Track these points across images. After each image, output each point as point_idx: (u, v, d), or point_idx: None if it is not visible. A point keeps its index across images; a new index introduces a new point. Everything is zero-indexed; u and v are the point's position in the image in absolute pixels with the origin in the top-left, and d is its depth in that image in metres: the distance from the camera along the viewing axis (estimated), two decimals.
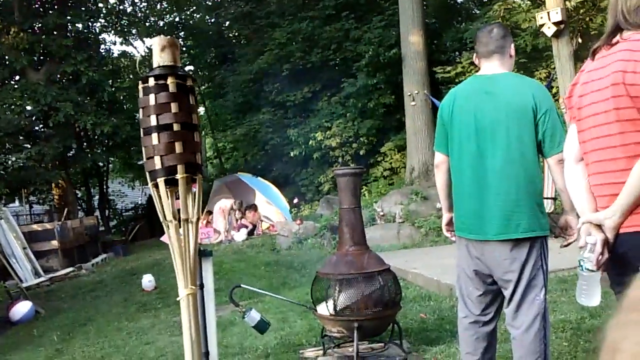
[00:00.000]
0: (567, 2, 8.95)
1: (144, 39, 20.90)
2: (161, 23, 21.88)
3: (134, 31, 20.67)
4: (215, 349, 2.18)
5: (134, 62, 18.60)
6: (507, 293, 2.81)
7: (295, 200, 14.32)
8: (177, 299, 1.63)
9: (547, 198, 7.83)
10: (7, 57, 15.00)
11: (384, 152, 14.38)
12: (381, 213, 10.80)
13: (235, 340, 5.00)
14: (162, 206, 1.62)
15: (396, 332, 4.14)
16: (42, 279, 10.41)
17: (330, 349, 4.20)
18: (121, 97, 17.92)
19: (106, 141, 17.47)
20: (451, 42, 15.09)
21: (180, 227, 1.61)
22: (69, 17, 15.94)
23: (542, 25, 8.81)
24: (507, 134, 2.72)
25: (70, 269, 11.24)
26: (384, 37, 14.32)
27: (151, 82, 1.64)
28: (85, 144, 17.61)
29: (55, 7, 16.22)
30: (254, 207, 13.51)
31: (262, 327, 4.07)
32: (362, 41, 14.78)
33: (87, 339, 6.02)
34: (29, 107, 14.64)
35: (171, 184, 1.63)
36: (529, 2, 11.24)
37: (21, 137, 15.31)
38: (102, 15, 18.72)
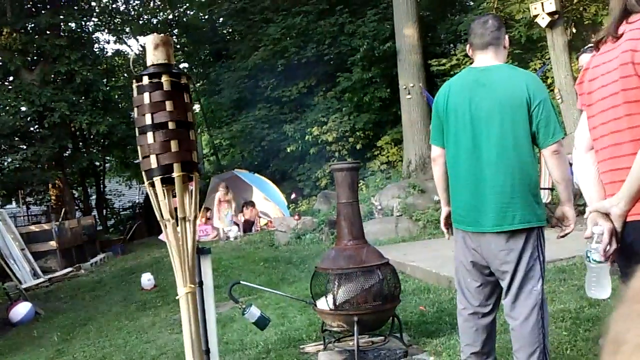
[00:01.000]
0: None
1: (138, 37, 20.84)
2: (155, 21, 21.81)
3: (127, 29, 20.59)
4: (216, 345, 2.18)
5: (128, 60, 18.54)
6: (504, 284, 2.82)
7: (293, 196, 14.33)
8: (177, 297, 1.63)
9: (543, 188, 7.84)
10: (0, 58, 14.95)
11: (381, 145, 14.38)
12: (379, 207, 10.80)
13: (235, 337, 5.00)
14: (159, 205, 1.62)
15: (396, 325, 4.15)
16: (41, 279, 10.40)
17: (331, 344, 4.21)
18: (116, 96, 17.89)
19: (102, 140, 17.44)
20: (446, 35, 15.08)
21: (177, 225, 1.61)
22: (61, 17, 15.87)
23: (536, 16, 8.82)
24: (502, 126, 2.72)
25: (69, 269, 11.23)
26: (379, 30, 14.29)
27: (145, 80, 1.63)
28: (81, 143, 17.57)
29: (48, 6, 16.16)
30: (251, 204, 13.51)
31: (262, 323, 4.08)
32: (357, 35, 14.75)
33: (88, 339, 6.02)
34: (23, 108, 14.61)
35: (167, 182, 1.63)
36: None
37: (17, 138, 15.28)
38: (95, 14, 18.67)
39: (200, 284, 2.09)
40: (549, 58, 9.20)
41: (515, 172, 2.72)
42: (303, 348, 4.39)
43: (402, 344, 4.06)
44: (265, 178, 14.42)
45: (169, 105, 1.61)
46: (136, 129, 1.68)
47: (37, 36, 15.40)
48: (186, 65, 22.53)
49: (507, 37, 2.95)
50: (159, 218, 1.63)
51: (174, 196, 1.67)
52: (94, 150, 17.59)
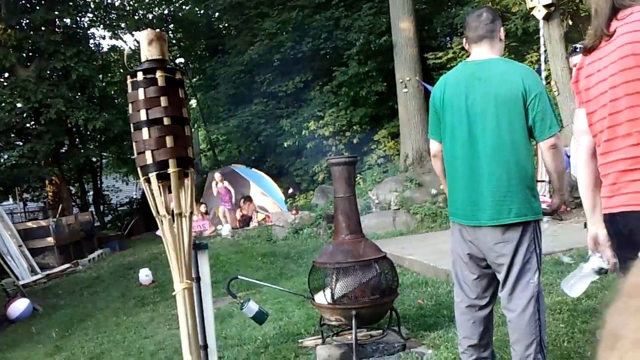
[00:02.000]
0: None
1: (133, 32, 20.77)
2: (150, 16, 21.74)
3: (122, 25, 20.52)
4: (214, 341, 2.18)
5: (123, 55, 18.45)
6: (500, 277, 2.83)
7: (290, 191, 14.33)
8: (173, 293, 1.63)
9: (541, 181, 7.85)
10: None
11: (378, 139, 14.37)
12: (376, 201, 10.81)
13: (234, 332, 5.01)
14: (154, 201, 1.61)
15: (394, 319, 4.16)
16: (38, 276, 10.40)
17: (329, 338, 4.22)
18: (112, 92, 17.85)
19: (98, 136, 17.42)
20: (442, 28, 15.06)
21: (173, 221, 1.60)
22: (56, 13, 15.81)
23: (532, 8, 8.81)
24: (498, 120, 2.72)
25: (67, 265, 11.24)
26: (375, 24, 14.27)
27: (140, 76, 1.62)
28: (77, 140, 17.54)
29: (43, 2, 16.09)
30: (248, 199, 13.51)
31: (260, 317, 4.08)
32: (353, 29, 14.72)
33: (86, 334, 6.03)
34: (19, 105, 14.57)
35: (163, 178, 1.62)
36: None
37: (13, 135, 15.25)
38: (90, 9, 18.60)
39: (198, 279, 2.08)
40: (545, 50, 9.20)
41: (511, 166, 2.73)
42: (301, 342, 4.40)
43: (400, 337, 4.07)
44: (263, 173, 14.42)
45: (163, 101, 1.61)
46: (131, 125, 1.67)
47: (32, 32, 15.34)
48: (182, 60, 22.49)
49: (502, 29, 2.94)
50: (155, 214, 1.63)
51: (170, 192, 1.66)
52: (91, 147, 17.57)
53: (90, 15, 18.92)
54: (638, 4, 1.92)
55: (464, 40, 3.01)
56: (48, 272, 10.74)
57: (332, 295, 3.95)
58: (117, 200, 21.41)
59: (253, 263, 8.69)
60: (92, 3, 18.39)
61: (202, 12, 21.75)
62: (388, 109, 14.38)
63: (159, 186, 1.60)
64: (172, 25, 21.94)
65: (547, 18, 8.70)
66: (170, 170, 1.60)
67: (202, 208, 13.17)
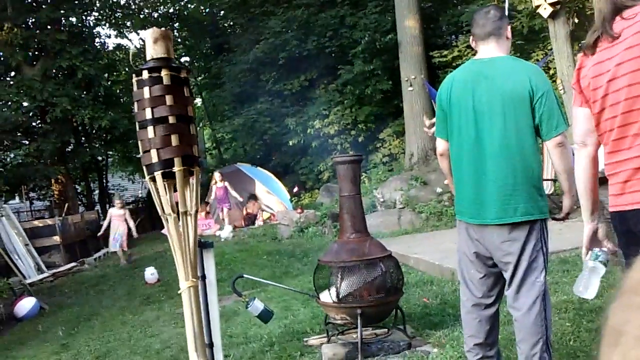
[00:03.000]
0: None
1: (139, 31, 20.82)
2: (155, 14, 21.79)
3: (128, 24, 20.58)
4: (219, 339, 2.18)
5: (129, 54, 18.53)
6: (507, 275, 2.82)
7: (296, 189, 14.34)
8: (179, 291, 1.63)
9: (546, 180, 7.82)
10: (1, 54, 14.94)
11: (383, 138, 14.36)
12: (381, 199, 10.81)
13: (239, 330, 5.02)
14: (160, 200, 1.61)
15: (399, 318, 4.15)
16: (45, 274, 10.44)
17: (334, 336, 4.21)
18: (117, 91, 17.89)
19: (104, 135, 17.46)
20: (447, 26, 15.03)
21: (179, 220, 1.60)
22: (62, 11, 15.86)
23: (538, 7, 8.77)
24: (504, 119, 2.71)
25: (73, 264, 11.28)
26: (380, 22, 14.25)
27: (145, 75, 1.62)
28: (83, 138, 17.59)
29: (48, 1, 16.13)
30: (254, 197, 13.51)
31: (265, 316, 4.08)
32: (358, 27, 14.70)
33: (92, 333, 6.05)
34: (25, 104, 14.62)
35: (169, 177, 1.62)
36: None
37: (19, 134, 15.30)
38: (95, 8, 18.65)
39: (203, 277, 2.09)
40: (551, 49, 9.16)
41: (517, 165, 2.72)
42: (307, 341, 4.40)
43: (405, 336, 4.06)
44: (268, 171, 14.43)
45: (169, 100, 1.61)
46: (136, 124, 1.67)
47: (37, 31, 15.39)
48: (187, 58, 22.51)
49: (509, 27, 2.93)
50: (160, 212, 1.63)
51: (176, 190, 1.66)
52: (97, 145, 17.61)
53: (96, 14, 18.98)
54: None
55: (471, 38, 3.00)
56: (54, 270, 10.79)
57: (338, 293, 3.95)
58: (123, 198, 21.46)
59: (258, 261, 8.69)
60: (97, 2, 18.43)
61: (207, 10, 21.79)
62: (393, 108, 14.37)
63: (164, 185, 1.60)
64: (177, 24, 21.97)
65: (553, 16, 8.66)
66: (176, 168, 1.60)
67: (208, 208, 13.15)
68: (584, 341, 3.57)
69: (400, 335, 4.10)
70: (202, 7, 21.95)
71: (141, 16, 21.01)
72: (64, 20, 16.51)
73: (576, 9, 10.16)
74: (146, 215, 17.23)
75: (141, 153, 1.65)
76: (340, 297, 3.95)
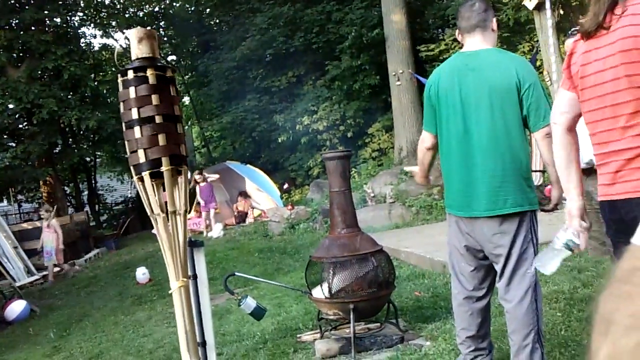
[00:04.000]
0: None
1: (124, 30, 20.68)
2: (141, 14, 21.65)
3: (113, 23, 20.43)
4: (212, 337, 2.18)
5: (114, 54, 18.37)
6: (498, 267, 2.84)
7: (286, 186, 14.34)
8: (170, 291, 1.62)
9: (535, 171, 7.85)
10: None
11: (372, 133, 14.38)
12: (371, 194, 10.82)
13: (232, 328, 5.01)
14: (148, 200, 1.61)
15: (392, 312, 4.16)
16: (35, 277, 10.38)
17: (327, 332, 4.22)
18: (104, 91, 17.76)
19: (92, 136, 17.35)
20: (433, 20, 15.04)
21: (168, 220, 1.60)
22: (46, 12, 15.72)
23: None
24: (492, 111, 2.73)
25: (63, 265, 11.20)
26: (366, 17, 14.25)
27: (130, 74, 1.61)
28: (71, 139, 17.47)
29: (32, 2, 15.97)
30: (244, 195, 13.48)
31: (258, 313, 4.08)
32: (345, 23, 14.70)
33: (84, 334, 6.02)
34: (11, 106, 14.49)
35: (156, 176, 1.62)
36: None
37: (5, 136, 15.17)
38: (80, 8, 18.50)
39: (194, 277, 2.08)
40: (537, 41, 9.20)
41: (505, 157, 2.73)
42: (300, 337, 4.40)
43: (398, 329, 4.08)
44: (257, 169, 14.41)
45: (155, 99, 1.60)
46: (123, 124, 1.66)
47: (22, 32, 15.23)
48: (174, 57, 22.42)
49: (495, 20, 2.94)
50: (149, 213, 1.62)
51: (164, 190, 1.66)
52: (84, 146, 17.51)
53: (81, 14, 18.83)
54: None
55: (457, 31, 3.01)
56: (44, 273, 10.71)
57: (330, 289, 3.95)
58: (112, 199, 21.37)
59: (250, 259, 8.69)
60: (82, 2, 18.28)
61: (192, 8, 21.67)
62: (382, 102, 14.39)
63: (152, 185, 1.60)
64: (163, 23, 21.86)
65: (539, 8, 8.69)
66: (164, 168, 1.60)
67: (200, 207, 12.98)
68: (575, 331, 3.60)
69: (393, 329, 4.11)
70: (187, 6, 21.84)
71: (126, 15, 20.87)
72: (48, 21, 16.35)
73: (562, 0, 10.20)
74: (136, 215, 17.16)
75: (128, 153, 1.64)
76: (333, 292, 3.95)
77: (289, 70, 15.74)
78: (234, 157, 16.56)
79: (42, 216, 11.37)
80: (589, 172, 3.90)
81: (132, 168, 1.63)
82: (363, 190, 11.15)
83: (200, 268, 2.14)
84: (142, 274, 8.36)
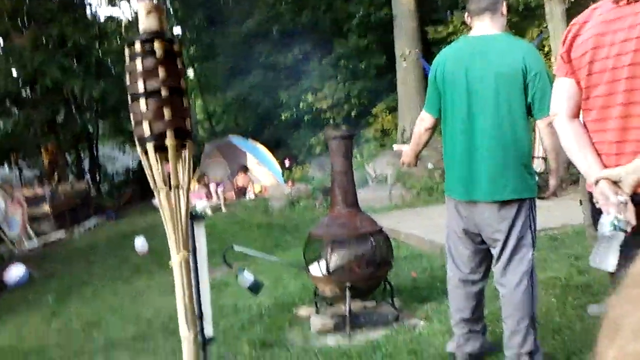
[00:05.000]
0: None
1: (130, 0, 20.47)
2: None
3: None
4: (210, 310, 2.21)
5: (120, 25, 18.22)
6: (495, 252, 2.86)
7: (287, 163, 14.33)
8: (170, 264, 1.64)
9: (537, 157, 7.83)
10: None
11: (376, 113, 14.33)
12: (373, 174, 10.84)
13: (229, 301, 5.06)
14: (152, 173, 1.62)
15: (388, 291, 4.20)
16: (35, 243, 10.44)
17: (323, 308, 4.27)
18: (109, 61, 17.65)
19: (95, 106, 17.30)
20: (442, 1, 14.88)
21: (171, 193, 1.61)
22: None
23: None
24: (497, 97, 2.72)
25: (63, 233, 11.27)
26: None
27: (137, 47, 1.61)
28: (74, 109, 17.41)
29: None
30: (244, 169, 13.46)
31: (255, 287, 4.11)
32: (353, 1, 14.56)
33: (82, 301, 6.08)
34: (15, 72, 14.42)
35: (161, 150, 1.63)
36: None
37: (8, 103, 15.12)
38: None
39: (194, 250, 2.10)
40: (546, 27, 9.12)
41: (508, 143, 2.74)
42: (296, 312, 4.45)
43: (393, 309, 4.12)
44: (260, 144, 14.39)
45: (161, 72, 1.60)
46: (129, 96, 1.67)
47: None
48: (179, 30, 22.22)
49: (505, 4, 2.92)
50: (152, 186, 1.63)
51: (168, 161, 1.66)
52: (87, 116, 17.45)
53: None
54: None
55: (466, 14, 2.99)
56: (44, 239, 10.78)
57: (327, 267, 3.99)
58: (113, 169, 21.36)
59: (249, 234, 8.73)
60: None
61: None
62: (387, 83, 14.31)
63: (156, 158, 1.61)
64: None
65: None
66: (168, 142, 1.61)
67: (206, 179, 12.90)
68: (569, 317, 3.64)
69: (389, 308, 4.16)
70: None
71: None
72: None
73: None
74: (137, 187, 17.18)
75: (133, 126, 1.65)
76: (330, 270, 3.99)
77: (295, 47, 15.63)
78: (237, 132, 16.53)
79: (6, 190, 11.22)
80: None
81: (136, 140, 1.64)
82: (364, 170, 11.15)
83: (200, 241, 2.16)
84: (141, 244, 8.40)
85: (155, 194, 1.64)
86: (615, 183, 1.92)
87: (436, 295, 4.46)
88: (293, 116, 15.00)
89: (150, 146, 1.59)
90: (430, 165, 10.53)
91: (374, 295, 4.32)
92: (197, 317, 2.00)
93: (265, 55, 16.16)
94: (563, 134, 2.15)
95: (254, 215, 10.74)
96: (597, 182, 1.95)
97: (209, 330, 2.23)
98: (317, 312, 4.24)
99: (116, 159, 21.38)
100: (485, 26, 2.84)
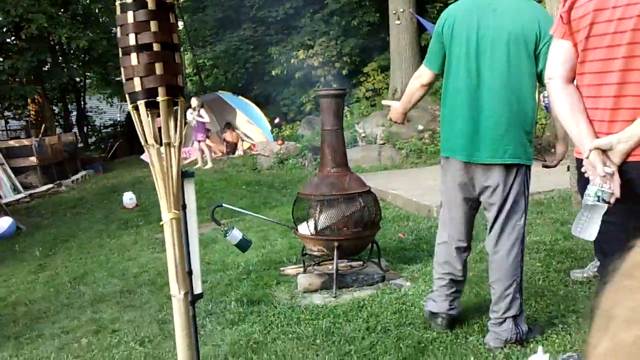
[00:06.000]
0: None
1: None
2: None
3: None
4: (199, 267, 2.22)
5: None
6: (490, 216, 2.87)
7: (277, 120, 14.24)
8: (161, 223, 1.63)
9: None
10: None
11: (367, 72, 14.20)
12: (362, 134, 10.81)
13: (217, 257, 5.09)
14: (143, 129, 1.59)
15: (375, 252, 4.24)
16: (21, 195, 10.38)
17: (310, 267, 4.31)
18: (96, 10, 17.24)
19: (82, 56, 16.98)
20: None
21: (161, 150, 1.59)
22: None
23: None
24: (508, 57, 2.65)
25: (50, 185, 11.21)
26: None
27: None
28: (60, 58, 17.09)
29: None
30: (228, 125, 13.33)
31: (243, 245, 4.14)
32: None
33: (69, 255, 6.09)
34: None
35: (152, 106, 1.59)
36: None
37: None
38: None
39: (184, 207, 2.09)
40: None
41: (513, 106, 2.68)
42: (283, 270, 4.49)
43: (379, 269, 4.17)
44: (249, 101, 14.26)
45: (153, 26, 1.55)
46: (119, 49, 1.62)
47: None
48: None
49: None
50: (142, 142, 1.61)
51: (159, 116, 1.63)
52: (74, 66, 17.14)
53: None
54: None
55: None
56: (31, 191, 10.71)
57: (316, 226, 4.01)
58: (101, 122, 21.14)
59: (237, 191, 8.73)
60: None
61: None
62: (379, 41, 14.13)
63: (147, 114, 1.57)
64: None
65: None
66: (160, 98, 1.57)
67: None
68: (552, 281, 3.70)
69: (375, 268, 4.20)
70: None
71: None
72: None
73: None
74: (124, 139, 17.05)
75: (124, 80, 1.61)
76: (318, 229, 4.01)
77: (286, 0, 15.34)
78: (226, 87, 16.34)
79: None
80: None
81: (127, 96, 1.60)
82: (354, 129, 11.12)
83: (190, 199, 2.14)
84: (129, 198, 8.38)
85: (146, 151, 1.61)
86: (605, 152, 1.92)
87: (422, 256, 4.51)
88: (284, 72, 14.83)
89: (141, 103, 1.56)
90: (420, 127, 10.51)
91: (361, 256, 4.36)
92: (187, 274, 2.00)
93: (256, 8, 15.86)
94: (556, 98, 2.11)
95: (243, 172, 10.73)
96: (589, 152, 1.94)
97: (197, 287, 2.23)
98: (305, 271, 4.28)
99: (104, 111, 21.13)
100: None
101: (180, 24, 20.80)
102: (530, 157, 2.79)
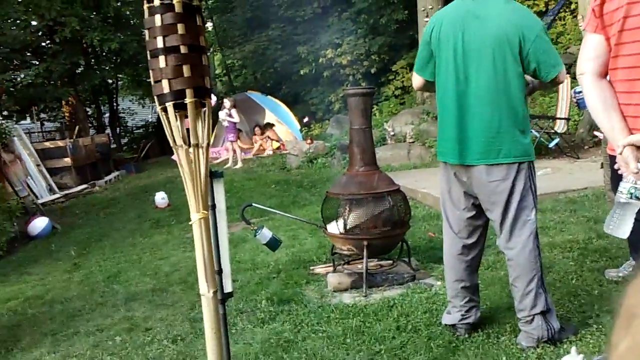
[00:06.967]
0: None
1: None
2: None
3: None
4: (228, 266, 2.24)
5: None
6: (494, 216, 2.85)
7: (306, 119, 14.27)
8: (190, 222, 1.65)
9: (559, 118, 7.74)
10: None
11: (396, 70, 14.14)
12: (392, 133, 10.75)
13: (247, 257, 5.13)
14: (171, 130, 1.61)
15: (405, 251, 4.22)
16: (56, 195, 10.61)
17: (340, 266, 4.30)
18: (127, 13, 17.51)
19: (114, 58, 17.26)
20: None
21: (190, 151, 1.60)
22: None
23: None
24: (493, 60, 2.70)
25: (84, 186, 11.43)
26: None
27: (156, 1, 1.58)
28: (93, 60, 17.40)
29: None
30: (260, 127, 13.35)
31: (273, 244, 4.16)
32: None
33: (103, 254, 6.20)
34: (34, 22, 14.38)
35: (180, 107, 1.61)
36: None
37: (28, 54, 15.14)
38: None
39: (213, 207, 2.11)
40: None
41: (503, 108, 2.72)
42: (313, 269, 4.50)
43: (409, 268, 4.14)
44: (278, 100, 14.32)
45: (180, 29, 1.57)
46: (148, 52, 1.64)
47: None
48: None
49: None
50: (171, 144, 1.63)
51: (187, 117, 1.65)
52: (106, 68, 17.44)
53: None
54: None
55: None
56: (66, 192, 10.94)
57: (345, 225, 4.00)
58: (132, 122, 21.46)
59: (266, 190, 8.77)
60: None
61: None
62: (408, 39, 14.06)
63: (175, 115, 1.59)
64: None
65: None
66: (187, 100, 1.59)
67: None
68: (586, 281, 3.63)
69: (405, 267, 4.18)
70: None
71: None
72: None
73: None
74: (156, 140, 17.28)
75: (152, 82, 1.63)
76: (348, 228, 4.00)
77: (314, 0, 15.35)
78: (255, 87, 16.44)
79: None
80: None
81: (155, 98, 1.63)
82: (383, 128, 11.07)
83: (219, 198, 2.16)
84: (161, 198, 8.50)
85: (175, 152, 1.63)
86: (639, 148, 1.88)
87: None
88: (312, 72, 14.86)
89: (169, 104, 1.58)
90: None
91: (391, 255, 4.34)
92: (216, 272, 2.02)
93: (284, 8, 15.91)
94: (588, 94, 2.07)
95: (272, 171, 10.77)
96: (622, 149, 1.90)
97: (227, 286, 2.25)
98: (334, 270, 4.27)
99: (135, 112, 21.45)
100: None
101: (209, 24, 21.03)
102: (529, 152, 2.81)
